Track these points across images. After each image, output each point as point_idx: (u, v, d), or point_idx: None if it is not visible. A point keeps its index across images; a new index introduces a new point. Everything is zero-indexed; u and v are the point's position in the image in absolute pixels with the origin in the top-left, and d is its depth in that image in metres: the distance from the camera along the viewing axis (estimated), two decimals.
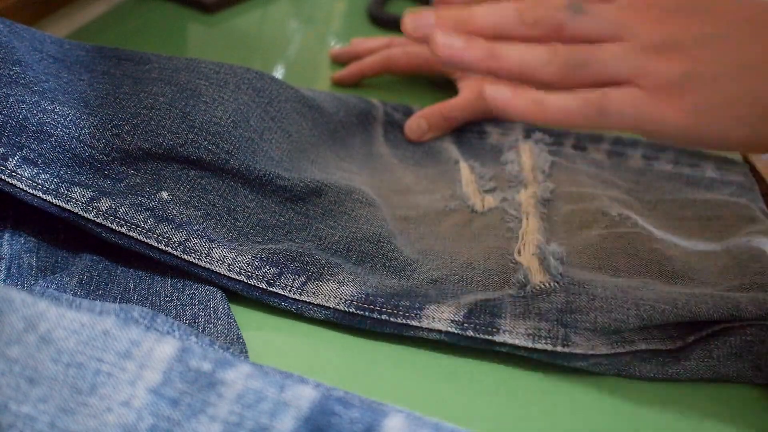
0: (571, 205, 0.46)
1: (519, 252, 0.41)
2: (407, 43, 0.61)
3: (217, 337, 0.35)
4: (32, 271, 0.38)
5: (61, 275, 0.37)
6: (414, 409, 0.28)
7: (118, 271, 0.39)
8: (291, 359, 0.36)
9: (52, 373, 0.24)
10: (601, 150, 0.54)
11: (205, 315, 0.37)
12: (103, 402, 0.24)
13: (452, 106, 0.55)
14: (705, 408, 0.35)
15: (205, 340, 0.32)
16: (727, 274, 0.40)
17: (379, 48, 0.62)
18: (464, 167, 0.50)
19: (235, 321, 0.37)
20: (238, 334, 0.36)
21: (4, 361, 0.24)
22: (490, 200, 0.47)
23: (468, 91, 0.56)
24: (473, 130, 0.55)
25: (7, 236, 0.38)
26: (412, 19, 0.32)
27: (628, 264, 0.40)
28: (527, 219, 0.44)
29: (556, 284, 0.37)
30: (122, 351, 0.25)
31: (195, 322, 0.36)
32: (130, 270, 0.39)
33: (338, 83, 0.61)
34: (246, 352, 0.35)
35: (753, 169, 0.54)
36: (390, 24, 0.72)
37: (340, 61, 0.64)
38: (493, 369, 0.36)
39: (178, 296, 0.38)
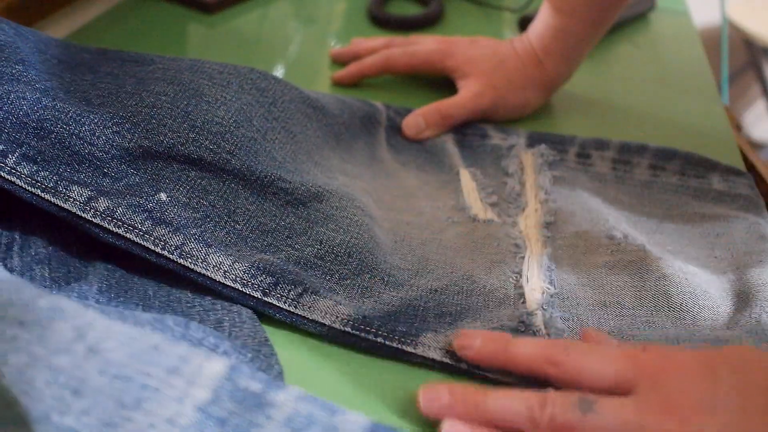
0: (575, 227, 0.45)
1: (526, 279, 0.41)
2: (407, 43, 0.61)
3: (245, 340, 0.34)
4: (46, 282, 0.36)
5: (80, 285, 0.36)
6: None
7: (135, 279, 0.37)
8: (291, 363, 0.35)
9: (97, 385, 0.23)
10: (606, 158, 0.52)
11: (229, 319, 0.36)
12: (147, 417, 0.23)
13: (450, 105, 0.55)
14: None
15: (246, 351, 0.31)
16: (735, 302, 0.40)
17: (379, 48, 0.62)
18: (464, 174, 0.50)
19: (259, 323, 0.36)
20: (265, 336, 0.35)
21: (50, 371, 0.23)
22: (492, 210, 0.46)
23: (466, 90, 0.56)
24: (475, 133, 0.55)
25: (16, 248, 0.37)
26: (426, 394, 0.31)
27: (635, 299, 0.40)
28: (530, 245, 0.43)
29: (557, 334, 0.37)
30: (171, 366, 0.24)
31: (220, 327, 0.35)
32: (148, 276, 0.38)
33: (338, 83, 0.61)
34: (275, 354, 0.34)
35: (753, 169, 0.54)
36: (390, 24, 0.72)
37: (340, 61, 0.64)
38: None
39: (199, 301, 0.37)
